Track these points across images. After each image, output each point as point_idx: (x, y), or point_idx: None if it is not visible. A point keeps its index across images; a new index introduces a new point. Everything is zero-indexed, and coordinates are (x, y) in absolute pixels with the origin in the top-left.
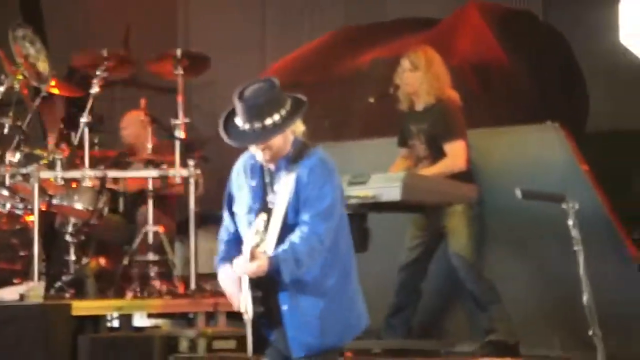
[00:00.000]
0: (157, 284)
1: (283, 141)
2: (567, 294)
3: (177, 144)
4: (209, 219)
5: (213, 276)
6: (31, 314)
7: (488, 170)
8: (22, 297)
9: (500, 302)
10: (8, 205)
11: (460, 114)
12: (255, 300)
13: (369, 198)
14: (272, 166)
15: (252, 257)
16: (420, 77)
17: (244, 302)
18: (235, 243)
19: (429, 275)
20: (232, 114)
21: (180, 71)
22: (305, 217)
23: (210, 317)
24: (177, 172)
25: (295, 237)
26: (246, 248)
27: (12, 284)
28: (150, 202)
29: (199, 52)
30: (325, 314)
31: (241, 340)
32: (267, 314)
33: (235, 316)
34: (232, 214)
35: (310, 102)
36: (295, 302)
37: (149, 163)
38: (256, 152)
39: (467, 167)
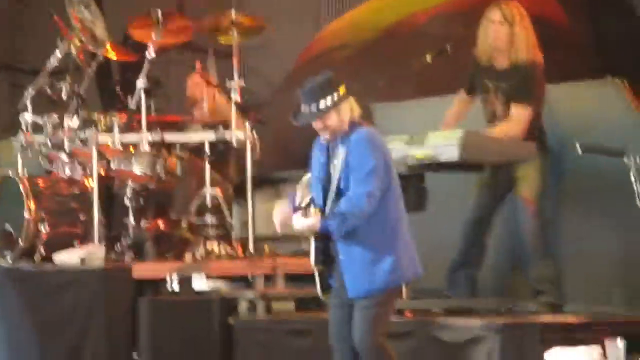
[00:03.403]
0: (215, 246)
1: (339, 121)
2: (630, 249)
3: (233, 106)
4: (266, 182)
5: (271, 238)
6: (92, 278)
7: (551, 126)
8: (82, 260)
9: (551, 261)
10: (67, 170)
11: (543, 81)
12: (316, 251)
13: (427, 158)
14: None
15: (305, 215)
16: (509, 32)
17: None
18: None
19: (495, 232)
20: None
21: (235, 34)
22: (350, 182)
23: (269, 279)
24: (234, 135)
25: (342, 199)
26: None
27: (73, 247)
28: (208, 165)
29: (254, 15)
30: (374, 263)
31: (299, 301)
32: (328, 262)
33: (293, 278)
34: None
35: (363, 63)
36: (349, 252)
37: (206, 126)
38: (319, 131)
39: (523, 137)
